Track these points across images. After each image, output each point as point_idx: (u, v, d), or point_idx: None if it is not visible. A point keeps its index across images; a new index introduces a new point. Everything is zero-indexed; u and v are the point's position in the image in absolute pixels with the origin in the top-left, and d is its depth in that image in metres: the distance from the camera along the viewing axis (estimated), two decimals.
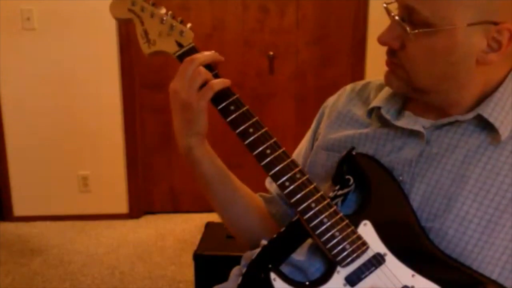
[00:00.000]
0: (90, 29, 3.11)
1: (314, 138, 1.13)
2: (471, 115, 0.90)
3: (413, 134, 0.95)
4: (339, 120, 1.08)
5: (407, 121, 0.95)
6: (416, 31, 0.85)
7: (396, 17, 0.88)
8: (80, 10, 3.16)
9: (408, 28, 0.86)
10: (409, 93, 0.95)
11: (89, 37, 3.19)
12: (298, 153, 1.17)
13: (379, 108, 0.99)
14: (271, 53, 3.39)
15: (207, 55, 0.96)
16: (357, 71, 3.39)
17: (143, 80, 3.35)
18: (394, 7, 0.91)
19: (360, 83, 1.11)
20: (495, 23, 0.83)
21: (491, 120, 0.88)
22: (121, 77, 3.32)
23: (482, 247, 0.86)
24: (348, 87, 1.13)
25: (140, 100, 3.41)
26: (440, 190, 0.90)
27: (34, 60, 3.24)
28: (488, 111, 0.89)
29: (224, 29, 3.35)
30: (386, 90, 1.01)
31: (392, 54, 0.92)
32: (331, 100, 1.14)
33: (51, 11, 3.18)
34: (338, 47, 3.42)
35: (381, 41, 0.90)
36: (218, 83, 0.95)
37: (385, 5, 0.91)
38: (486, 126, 0.90)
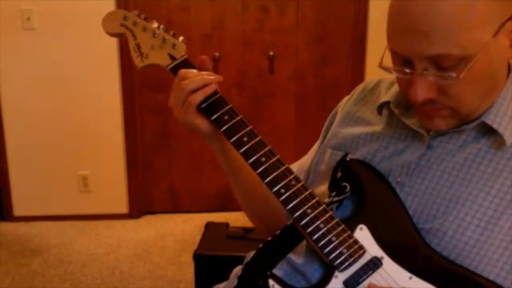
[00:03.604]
0: (90, 29, 3.10)
1: (324, 137, 1.13)
2: (475, 123, 0.90)
3: (416, 137, 0.95)
4: (347, 119, 1.09)
5: (415, 121, 0.95)
6: (462, 74, 0.81)
7: (425, 72, 0.83)
8: (80, 10, 3.16)
9: (454, 75, 0.82)
10: (457, 123, 0.92)
11: (89, 37, 3.19)
12: (309, 154, 1.17)
13: (388, 103, 1.00)
14: (271, 53, 3.39)
15: (195, 80, 0.98)
16: (357, 71, 3.39)
17: (143, 80, 3.35)
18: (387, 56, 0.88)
19: (373, 82, 1.11)
20: (509, 19, 0.83)
21: (495, 126, 0.88)
22: (121, 77, 3.32)
23: (481, 247, 0.87)
24: (361, 86, 1.13)
25: (140, 100, 3.42)
26: (440, 192, 0.90)
27: (34, 60, 3.24)
28: (491, 117, 0.89)
29: (224, 29, 3.35)
30: (397, 86, 1.00)
31: (430, 102, 0.87)
32: (345, 99, 1.15)
33: (51, 11, 3.18)
34: (338, 47, 3.42)
35: (420, 101, 0.85)
36: (197, 96, 0.97)
37: (394, 71, 0.88)
38: (487, 131, 0.90)
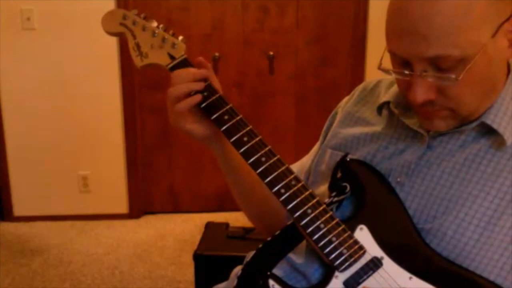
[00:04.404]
0: (90, 29, 3.10)
1: (324, 138, 1.13)
2: (474, 123, 0.90)
3: (416, 137, 0.95)
4: (347, 119, 1.09)
5: (414, 121, 0.96)
6: (461, 75, 0.81)
7: (424, 73, 0.83)
8: (80, 10, 3.16)
9: (453, 76, 0.82)
10: (457, 124, 0.92)
11: (89, 37, 3.19)
12: (310, 155, 1.17)
13: (388, 103, 1.00)
14: (271, 53, 3.39)
15: (179, 88, 0.97)
16: (357, 71, 3.39)
17: (143, 80, 3.35)
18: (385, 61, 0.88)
19: (373, 82, 1.11)
20: (507, 20, 0.83)
21: (495, 126, 0.88)
22: (121, 77, 3.32)
23: (481, 247, 0.87)
24: (361, 86, 1.13)
25: (140, 100, 3.42)
26: (440, 192, 0.90)
27: (34, 60, 3.24)
28: (490, 117, 0.89)
29: (224, 29, 3.35)
30: (397, 86, 0.99)
31: (430, 103, 0.86)
32: (345, 100, 1.15)
33: (51, 11, 3.18)
34: (338, 47, 3.42)
35: (420, 102, 0.85)
36: (181, 105, 0.97)
37: (393, 73, 0.88)
38: (487, 131, 0.90)
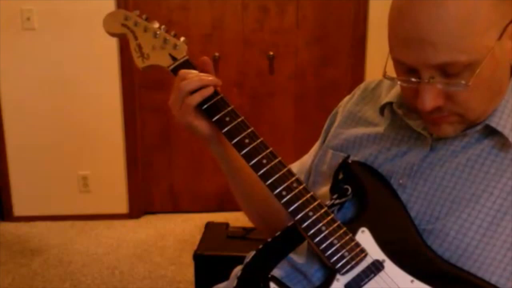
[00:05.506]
0: (90, 29, 3.11)
1: (325, 138, 1.13)
2: (479, 127, 0.90)
3: (419, 138, 0.95)
4: (349, 119, 1.08)
5: (418, 123, 0.95)
6: (472, 81, 0.80)
7: (431, 80, 0.82)
8: (80, 10, 3.16)
9: (463, 82, 0.81)
10: (464, 128, 0.91)
11: (89, 37, 3.19)
12: (310, 154, 1.17)
13: (391, 104, 0.99)
14: (271, 53, 3.39)
15: (193, 81, 0.98)
16: (357, 71, 3.39)
17: (143, 80, 3.35)
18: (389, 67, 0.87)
19: (374, 82, 1.10)
20: (511, 21, 0.82)
21: (499, 128, 0.88)
22: (121, 77, 3.32)
23: (483, 248, 0.86)
24: (362, 86, 1.12)
25: (140, 100, 3.41)
26: (442, 194, 0.90)
27: (34, 60, 3.24)
28: (495, 120, 0.89)
29: (223, 29, 3.35)
30: (399, 86, 0.98)
31: (438, 110, 0.85)
32: (345, 99, 1.14)
33: (51, 11, 3.17)
34: (338, 47, 3.42)
35: (428, 110, 0.84)
36: (195, 97, 0.97)
37: (399, 81, 0.87)
38: (490, 133, 0.90)
